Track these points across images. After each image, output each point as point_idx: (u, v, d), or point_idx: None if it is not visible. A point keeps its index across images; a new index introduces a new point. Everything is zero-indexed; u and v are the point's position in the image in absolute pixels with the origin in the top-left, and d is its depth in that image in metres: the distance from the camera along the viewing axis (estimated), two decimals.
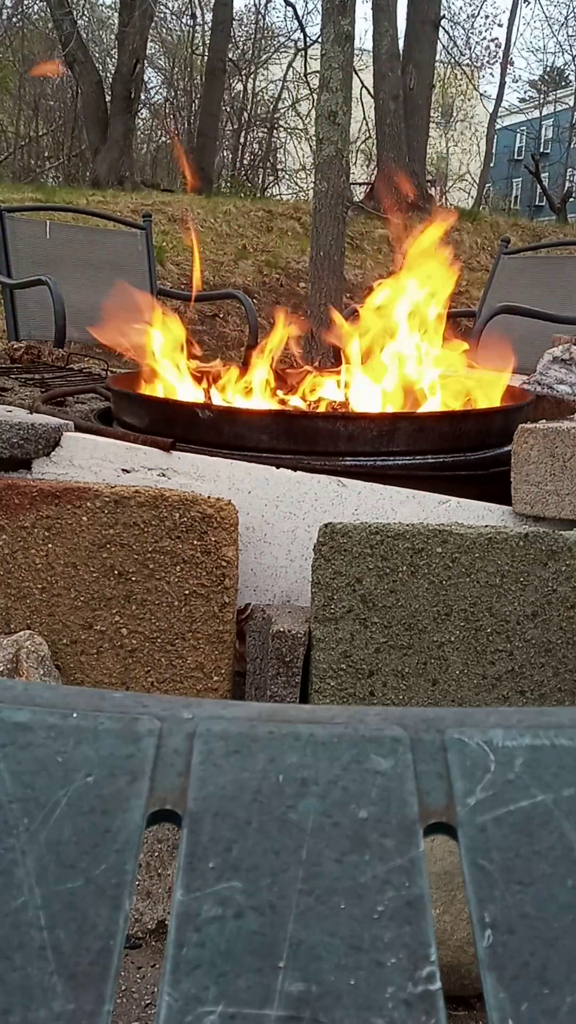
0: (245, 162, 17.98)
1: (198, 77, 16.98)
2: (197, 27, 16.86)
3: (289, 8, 14.87)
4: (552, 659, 1.41)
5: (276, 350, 2.10)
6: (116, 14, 14.81)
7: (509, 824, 0.34)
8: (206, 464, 1.66)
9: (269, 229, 8.67)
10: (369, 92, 11.36)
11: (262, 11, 17.25)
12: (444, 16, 13.15)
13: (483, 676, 1.41)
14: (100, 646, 1.49)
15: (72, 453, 1.68)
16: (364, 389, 2.01)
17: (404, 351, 2.05)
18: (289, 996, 0.29)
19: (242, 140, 18.27)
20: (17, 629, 1.48)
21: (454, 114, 22.30)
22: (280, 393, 2.10)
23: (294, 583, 1.63)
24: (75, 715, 0.37)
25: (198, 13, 16.67)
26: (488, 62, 18.93)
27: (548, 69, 23.98)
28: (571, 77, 22.70)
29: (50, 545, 1.48)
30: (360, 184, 12.79)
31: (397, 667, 1.40)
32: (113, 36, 15.71)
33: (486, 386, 2.01)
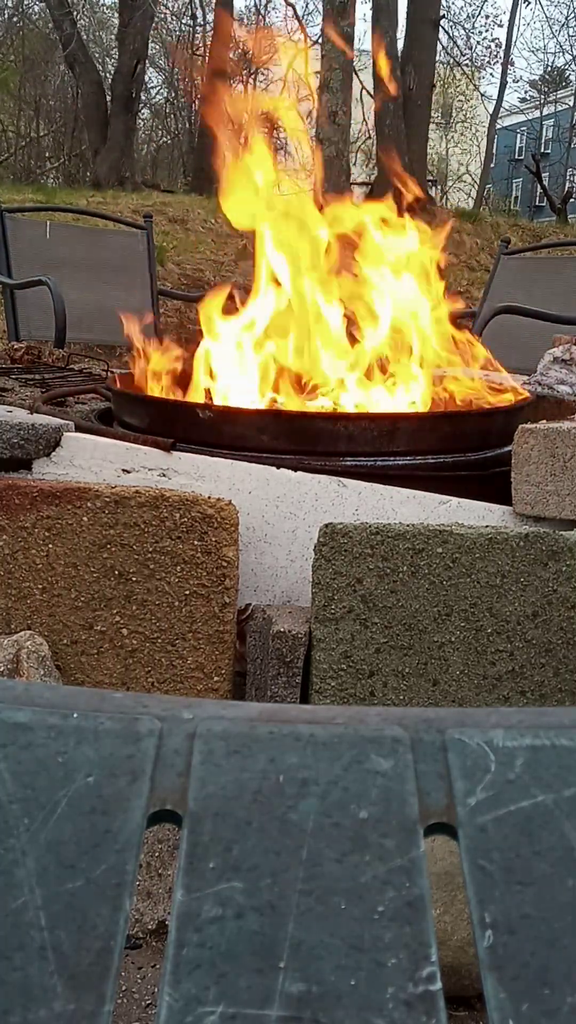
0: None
1: (198, 77, 16.97)
2: (198, 27, 16.88)
3: (289, 8, 14.87)
4: (553, 659, 1.41)
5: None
6: (116, 14, 14.82)
7: (510, 824, 0.34)
8: (206, 464, 1.66)
9: None
10: (369, 92, 11.36)
11: (262, 11, 17.24)
12: (444, 16, 13.16)
13: (483, 676, 1.41)
14: (100, 646, 1.49)
15: (72, 453, 1.68)
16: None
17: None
18: (289, 996, 0.29)
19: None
20: (18, 629, 1.49)
21: (454, 114, 22.30)
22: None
23: (294, 583, 1.63)
24: (75, 715, 0.37)
25: (199, 14, 16.69)
26: (488, 62, 18.92)
27: (548, 69, 24.01)
28: (571, 77, 22.71)
29: (50, 545, 1.48)
30: (360, 184, 12.78)
31: (397, 667, 1.40)
32: (113, 36, 15.72)
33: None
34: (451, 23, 15.74)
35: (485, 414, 1.92)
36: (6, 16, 17.01)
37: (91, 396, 2.23)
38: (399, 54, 10.62)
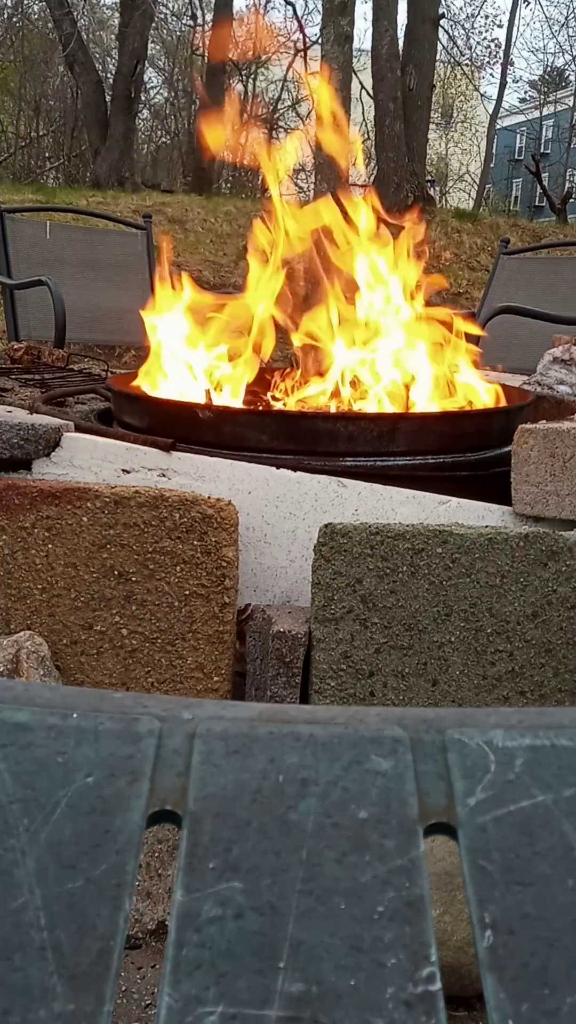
0: (246, 162, 17.98)
1: (198, 77, 16.98)
2: (197, 28, 16.87)
3: (289, 8, 14.88)
4: (552, 660, 1.41)
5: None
6: (116, 14, 14.83)
7: (509, 824, 0.34)
8: (206, 464, 1.66)
9: None
10: (369, 92, 11.36)
11: (262, 11, 17.24)
12: (444, 16, 13.15)
13: (483, 676, 1.41)
14: (100, 646, 1.49)
15: (72, 453, 1.68)
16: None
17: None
18: (289, 996, 0.29)
19: (242, 141, 18.26)
20: (17, 629, 1.48)
21: (454, 114, 22.32)
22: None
23: (294, 583, 1.63)
24: (75, 715, 0.37)
25: (198, 14, 16.68)
26: (488, 62, 18.92)
27: (548, 69, 24.01)
28: (571, 77, 22.71)
29: (50, 545, 1.48)
30: (359, 185, 12.76)
31: (397, 667, 1.40)
32: (113, 36, 15.72)
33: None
34: (451, 23, 15.75)
35: (485, 414, 1.92)
36: (6, 16, 17.02)
37: (91, 396, 2.23)
38: (399, 54, 10.60)
